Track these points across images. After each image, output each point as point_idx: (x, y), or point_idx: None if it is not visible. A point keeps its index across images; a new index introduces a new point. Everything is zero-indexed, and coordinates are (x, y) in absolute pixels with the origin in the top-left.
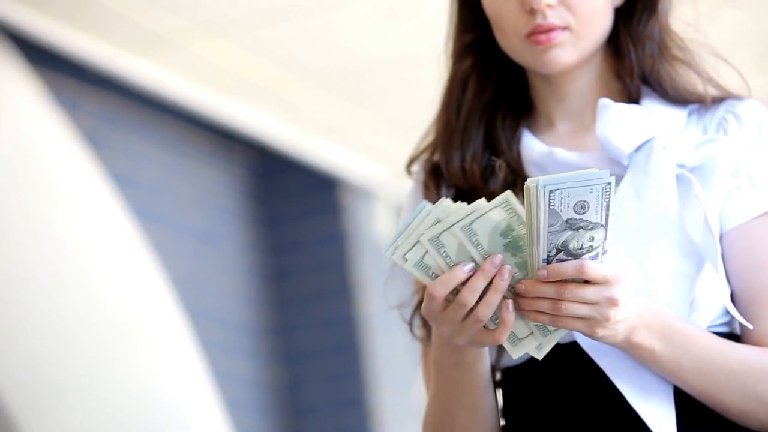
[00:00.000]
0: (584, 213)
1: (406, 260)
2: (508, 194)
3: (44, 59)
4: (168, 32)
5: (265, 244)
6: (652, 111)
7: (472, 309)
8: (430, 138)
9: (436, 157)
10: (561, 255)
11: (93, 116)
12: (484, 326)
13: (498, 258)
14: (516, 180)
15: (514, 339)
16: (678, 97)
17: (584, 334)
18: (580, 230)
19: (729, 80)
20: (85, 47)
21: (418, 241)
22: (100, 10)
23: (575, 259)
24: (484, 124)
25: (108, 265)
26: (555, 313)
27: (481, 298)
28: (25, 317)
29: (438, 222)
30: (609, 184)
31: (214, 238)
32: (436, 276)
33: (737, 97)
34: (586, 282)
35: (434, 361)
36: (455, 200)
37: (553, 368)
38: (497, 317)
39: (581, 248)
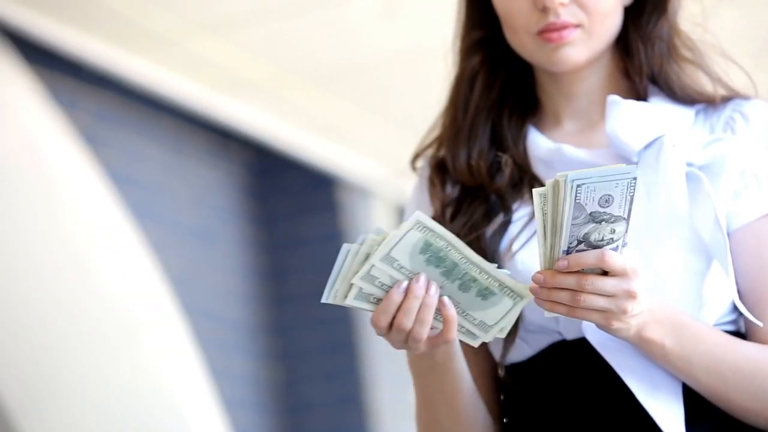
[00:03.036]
0: (608, 206)
1: (346, 298)
2: (418, 215)
3: (41, 58)
4: (165, 30)
5: (263, 242)
6: (660, 109)
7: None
8: (435, 133)
9: (442, 152)
10: (582, 246)
11: (90, 115)
12: (432, 328)
13: (422, 277)
14: (522, 177)
15: (478, 332)
16: (686, 97)
17: (599, 325)
18: (603, 223)
19: (735, 79)
20: (82, 46)
21: (352, 284)
22: (98, 8)
23: None
24: (491, 121)
25: (106, 263)
26: (573, 304)
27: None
28: (25, 314)
29: (367, 257)
30: (635, 179)
31: (212, 236)
32: (378, 300)
33: (744, 97)
34: (605, 273)
35: (410, 365)
36: (462, 197)
37: (561, 364)
38: (440, 316)
39: (602, 240)
